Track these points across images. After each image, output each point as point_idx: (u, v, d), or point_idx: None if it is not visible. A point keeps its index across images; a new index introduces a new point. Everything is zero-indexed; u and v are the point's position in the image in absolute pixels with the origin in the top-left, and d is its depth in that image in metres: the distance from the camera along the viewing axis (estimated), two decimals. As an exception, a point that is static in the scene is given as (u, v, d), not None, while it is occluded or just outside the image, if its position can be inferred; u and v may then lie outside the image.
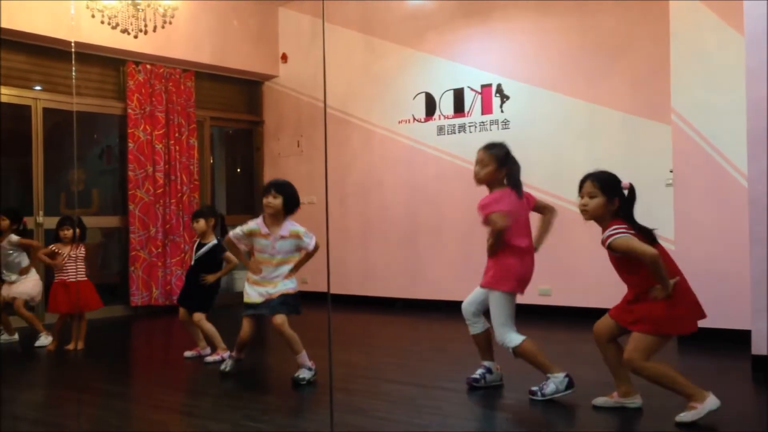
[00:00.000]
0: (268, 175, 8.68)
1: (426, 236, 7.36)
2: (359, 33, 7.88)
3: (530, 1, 6.69)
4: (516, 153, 6.93)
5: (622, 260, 3.30)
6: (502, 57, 6.90)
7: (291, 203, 4.23)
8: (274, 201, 4.17)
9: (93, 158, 7.91)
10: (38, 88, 6.83)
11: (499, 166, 3.77)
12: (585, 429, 3.34)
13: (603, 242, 3.30)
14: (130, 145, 7.27)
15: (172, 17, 6.08)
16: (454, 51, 7.22)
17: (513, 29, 6.85)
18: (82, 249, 5.53)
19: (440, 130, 7.32)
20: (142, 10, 5.90)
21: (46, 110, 6.82)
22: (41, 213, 6.74)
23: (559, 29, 6.55)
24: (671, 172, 5.35)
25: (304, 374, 4.14)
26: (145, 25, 5.92)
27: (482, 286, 3.85)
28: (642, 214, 6.06)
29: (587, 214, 3.36)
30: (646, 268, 3.18)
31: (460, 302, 7.11)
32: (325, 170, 6.97)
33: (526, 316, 6.44)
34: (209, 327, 4.92)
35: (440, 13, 7.31)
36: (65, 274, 5.44)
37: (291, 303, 4.23)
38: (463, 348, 5.22)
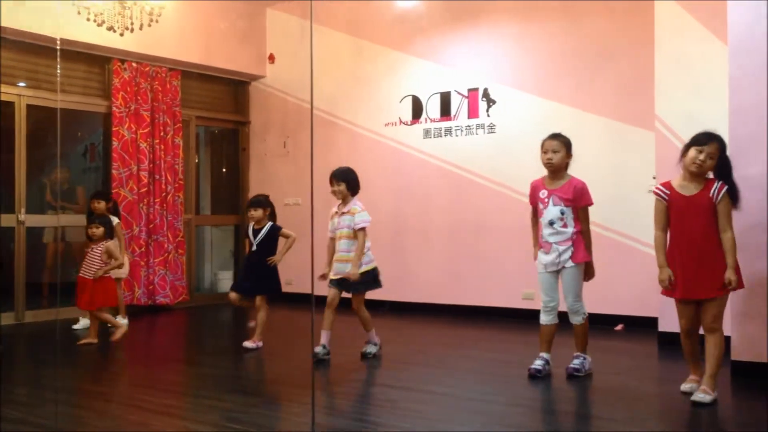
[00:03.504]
0: (254, 175, 8.65)
1: (412, 239, 7.37)
2: (347, 35, 7.88)
3: (518, 3, 6.72)
4: (502, 157, 7.02)
5: (713, 214, 3.61)
6: (489, 61, 6.93)
7: (353, 186, 4.90)
8: (338, 188, 4.86)
9: (77, 156, 7.86)
10: (22, 84, 6.77)
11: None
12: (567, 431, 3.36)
13: (708, 194, 3.62)
14: (115, 143, 7.22)
15: (159, 15, 6.05)
16: (441, 54, 7.23)
17: (500, 34, 6.88)
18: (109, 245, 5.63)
19: (426, 133, 7.33)
20: (129, 7, 5.87)
21: (29, 107, 6.76)
22: (23, 210, 6.68)
23: (546, 35, 6.59)
24: (654, 178, 5.39)
25: (371, 349, 4.88)
26: (132, 23, 5.88)
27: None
28: (625, 219, 6.15)
29: (702, 170, 3.65)
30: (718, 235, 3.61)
31: (446, 305, 7.16)
32: (310, 172, 6.96)
33: (510, 320, 6.49)
34: (264, 313, 5.23)
35: (428, 17, 7.32)
36: (89, 271, 5.52)
37: (368, 281, 4.83)
38: (447, 351, 5.23)
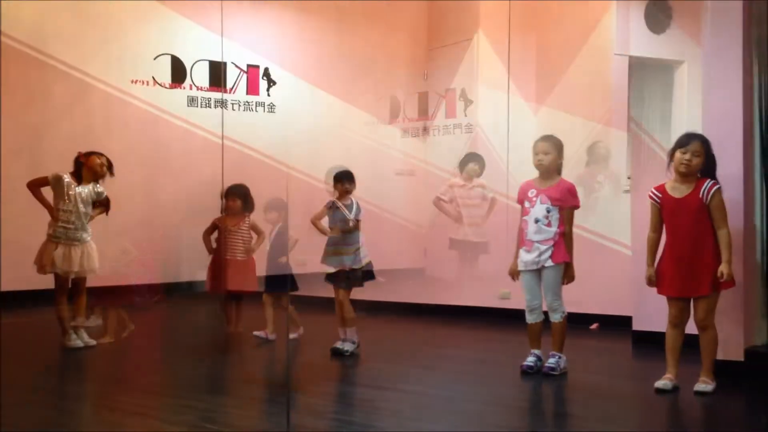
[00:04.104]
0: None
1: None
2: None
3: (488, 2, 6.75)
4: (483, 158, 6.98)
5: (702, 214, 3.71)
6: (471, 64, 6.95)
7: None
8: (350, 188, 4.84)
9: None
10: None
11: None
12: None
13: (698, 193, 3.73)
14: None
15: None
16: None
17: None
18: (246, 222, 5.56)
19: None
20: None
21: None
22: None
23: (524, 35, 6.62)
24: (629, 178, 5.44)
25: (348, 347, 4.72)
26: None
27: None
28: (600, 219, 6.19)
29: (690, 169, 3.75)
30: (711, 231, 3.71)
31: (422, 304, 7.15)
32: None
33: (486, 319, 6.51)
34: (270, 309, 5.33)
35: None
36: (232, 252, 5.51)
37: (357, 276, 4.82)
38: (423, 351, 5.24)
